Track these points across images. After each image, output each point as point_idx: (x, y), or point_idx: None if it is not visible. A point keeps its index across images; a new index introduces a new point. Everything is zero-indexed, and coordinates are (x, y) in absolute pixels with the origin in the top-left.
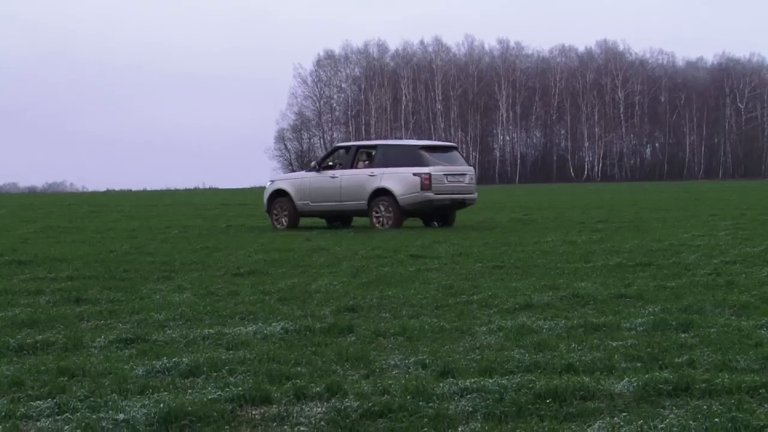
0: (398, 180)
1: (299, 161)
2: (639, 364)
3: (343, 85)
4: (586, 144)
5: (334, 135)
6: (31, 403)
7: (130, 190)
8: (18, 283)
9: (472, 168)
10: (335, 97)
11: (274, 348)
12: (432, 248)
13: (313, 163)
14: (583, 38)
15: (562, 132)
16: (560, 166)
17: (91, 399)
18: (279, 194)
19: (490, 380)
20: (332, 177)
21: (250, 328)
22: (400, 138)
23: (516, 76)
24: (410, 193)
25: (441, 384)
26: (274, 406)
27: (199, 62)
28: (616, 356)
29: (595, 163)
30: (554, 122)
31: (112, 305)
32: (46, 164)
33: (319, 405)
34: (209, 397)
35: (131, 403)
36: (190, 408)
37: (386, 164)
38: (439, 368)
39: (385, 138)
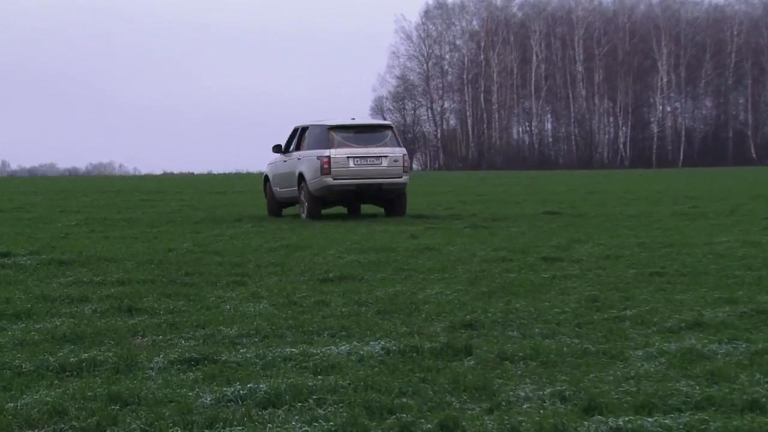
0: (308, 164)
1: (402, 138)
2: None
3: (458, 42)
4: None
5: (445, 104)
6: None
7: (192, 174)
8: (58, 287)
9: (399, 150)
10: (447, 57)
11: (372, 373)
12: (571, 249)
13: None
14: None
15: (741, 101)
16: (738, 144)
17: None
18: (266, 180)
19: (649, 419)
20: (284, 161)
21: (343, 348)
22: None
23: (680, 29)
24: (315, 179)
25: (585, 423)
26: None
27: (274, 16)
28: None
29: None
30: (730, 88)
31: (173, 317)
32: (89, 142)
33: None
34: None
35: None
36: None
37: (307, 147)
38: (583, 402)
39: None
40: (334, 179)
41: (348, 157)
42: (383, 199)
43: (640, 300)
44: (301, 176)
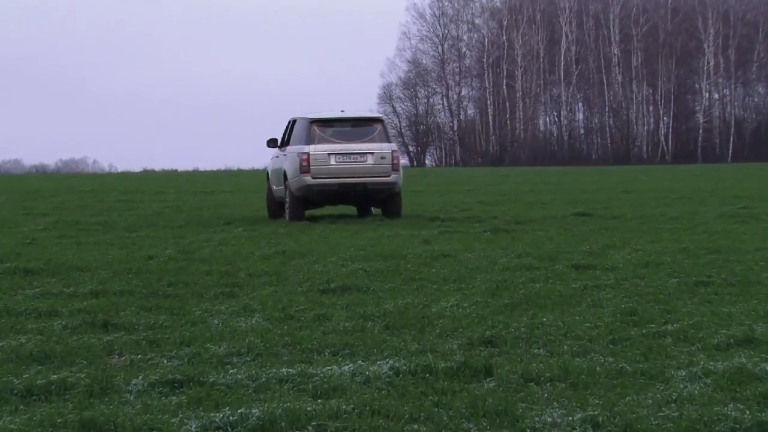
0: (290, 161)
1: (413, 129)
2: None
3: (477, 21)
4: None
5: (463, 92)
6: None
7: (176, 171)
8: (24, 300)
9: (387, 145)
10: (465, 38)
11: (379, 396)
12: (605, 255)
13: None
14: None
15: None
16: None
17: None
18: (267, 177)
19: None
20: (277, 157)
21: (346, 368)
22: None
23: (729, 6)
24: (295, 177)
25: None
26: None
27: None
28: None
29: None
30: None
31: (153, 333)
32: (58, 136)
33: None
34: None
35: None
36: None
37: (293, 142)
38: (618, 429)
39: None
40: (313, 178)
41: (329, 154)
42: (372, 199)
43: (683, 313)
44: (285, 174)
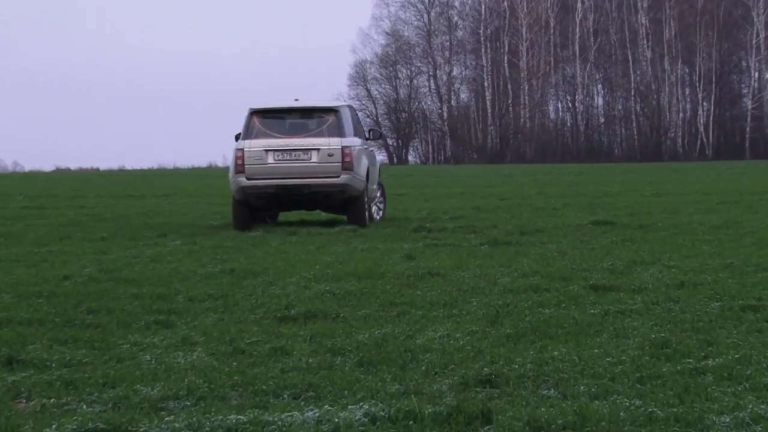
0: (233, 159)
1: (392, 118)
2: None
3: None
4: None
5: (454, 72)
6: None
7: (97, 170)
8: None
9: (336, 140)
10: (457, 4)
11: None
12: (631, 274)
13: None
14: None
15: None
16: None
17: None
18: None
19: None
20: None
21: (310, 414)
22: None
23: None
24: (232, 179)
25: None
26: None
27: None
28: None
29: None
30: None
31: (70, 371)
32: None
33: None
34: None
35: None
36: None
37: (241, 137)
38: None
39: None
40: (248, 179)
41: (266, 151)
42: (325, 205)
43: (726, 345)
44: None
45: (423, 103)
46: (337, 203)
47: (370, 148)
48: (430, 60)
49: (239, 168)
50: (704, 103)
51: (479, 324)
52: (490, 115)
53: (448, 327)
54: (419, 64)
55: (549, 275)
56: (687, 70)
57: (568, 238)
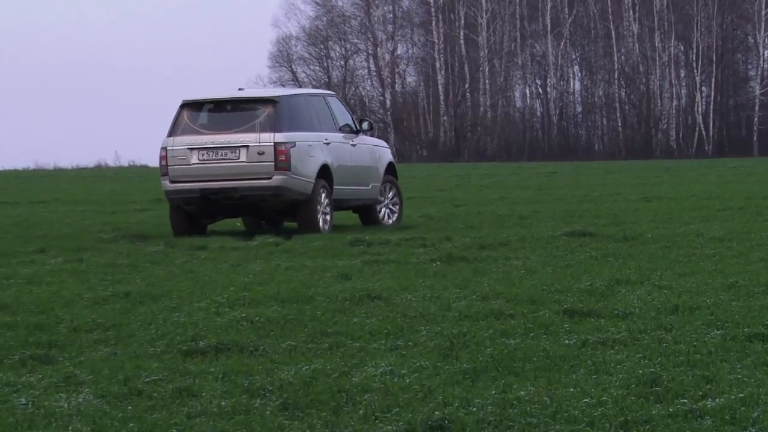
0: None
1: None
2: None
3: None
4: None
5: (399, 50)
6: None
7: None
8: None
9: (268, 136)
10: None
11: None
12: (613, 296)
13: None
14: None
15: None
16: None
17: None
18: None
19: None
20: None
21: None
22: None
23: None
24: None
25: None
26: None
27: None
28: None
29: None
30: None
31: None
32: None
33: None
34: None
35: None
36: None
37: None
38: None
39: None
40: (171, 182)
41: (190, 149)
42: (268, 212)
43: (728, 382)
44: None
45: (361, 89)
46: (279, 209)
47: (373, 144)
48: (369, 35)
49: (163, 170)
50: (703, 88)
51: (429, 358)
52: (442, 103)
53: (391, 361)
54: (356, 41)
55: (514, 298)
56: (682, 48)
57: (537, 252)
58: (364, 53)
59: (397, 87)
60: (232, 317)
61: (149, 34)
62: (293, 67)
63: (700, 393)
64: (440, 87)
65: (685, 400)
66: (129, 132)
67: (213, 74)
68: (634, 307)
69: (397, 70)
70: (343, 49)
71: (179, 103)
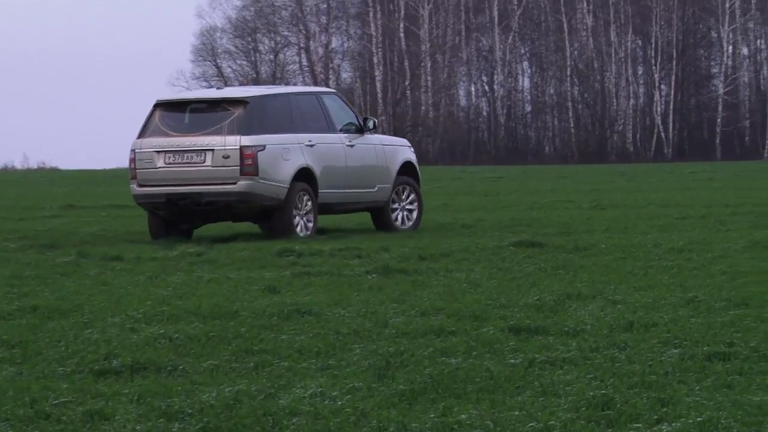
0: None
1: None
2: None
3: None
4: None
5: (333, 43)
6: None
7: None
8: None
9: (235, 139)
10: None
11: None
12: (563, 311)
13: None
14: None
15: None
16: None
17: None
18: None
19: None
20: None
21: None
22: None
23: None
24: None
25: None
26: None
27: None
28: None
29: None
30: None
31: None
32: None
33: None
34: None
35: None
36: None
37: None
38: None
39: None
40: (139, 186)
41: (156, 152)
42: (237, 217)
43: (686, 405)
44: None
45: (292, 85)
46: (251, 215)
47: (383, 143)
48: (301, 28)
49: (131, 173)
50: (662, 87)
51: (363, 378)
52: (380, 101)
53: (321, 382)
54: (287, 33)
55: (456, 314)
56: (640, 43)
57: (481, 264)
58: (296, 47)
59: (332, 83)
60: (149, 334)
61: (64, 26)
62: (218, 61)
63: (656, 417)
64: (378, 84)
65: (639, 425)
66: (38, 132)
67: (131, 69)
68: (585, 324)
69: (331, 65)
70: (272, 42)
71: (157, 104)
